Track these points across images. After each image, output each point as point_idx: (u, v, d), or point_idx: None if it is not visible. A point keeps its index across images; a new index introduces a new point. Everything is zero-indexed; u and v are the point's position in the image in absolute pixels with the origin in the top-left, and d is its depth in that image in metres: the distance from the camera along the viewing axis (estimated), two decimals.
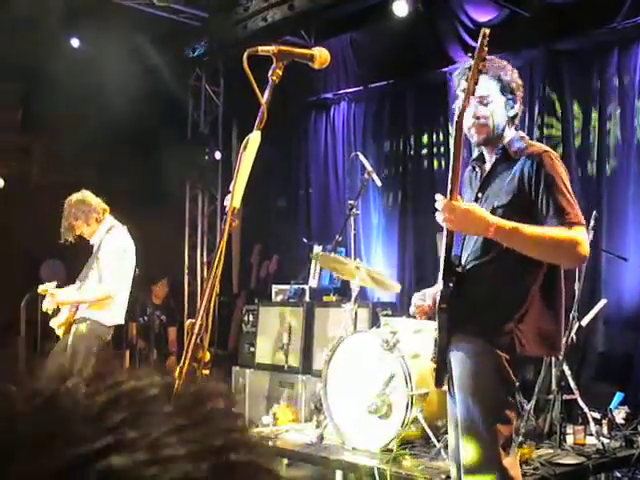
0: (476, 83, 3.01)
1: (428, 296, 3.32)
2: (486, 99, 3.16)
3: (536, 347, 3.12)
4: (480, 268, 3.10)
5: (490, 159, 3.25)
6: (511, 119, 3.24)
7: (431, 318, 3.29)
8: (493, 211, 3.07)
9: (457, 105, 3.21)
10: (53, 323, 5.96)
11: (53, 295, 5.87)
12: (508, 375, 3.08)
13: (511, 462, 3.07)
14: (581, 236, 2.96)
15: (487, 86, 3.15)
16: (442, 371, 3.16)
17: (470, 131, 3.20)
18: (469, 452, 3.05)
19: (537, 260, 3.07)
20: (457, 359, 3.11)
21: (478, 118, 3.16)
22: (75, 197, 5.96)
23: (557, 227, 2.95)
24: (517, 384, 3.17)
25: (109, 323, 5.89)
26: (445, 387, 3.28)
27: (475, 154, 3.36)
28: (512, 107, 3.22)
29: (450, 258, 3.09)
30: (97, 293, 5.80)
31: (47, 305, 5.93)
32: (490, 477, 3.02)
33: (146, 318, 9.25)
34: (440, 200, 2.95)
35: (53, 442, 0.54)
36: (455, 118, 3.06)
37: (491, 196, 3.15)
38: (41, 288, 5.96)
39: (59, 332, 5.97)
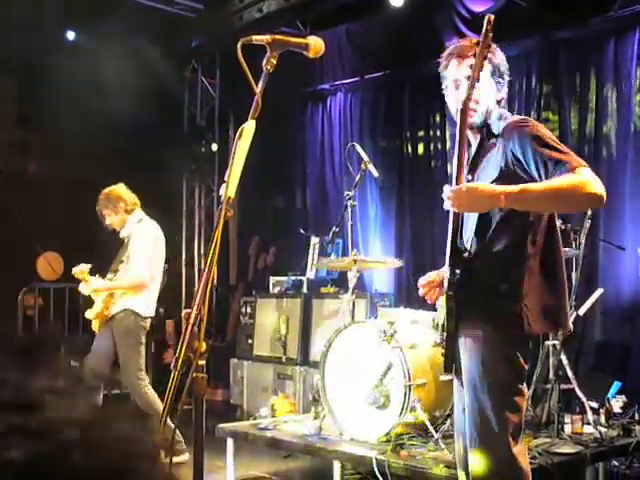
0: (481, 70, 2.99)
1: (433, 275, 3.34)
2: (474, 81, 3.10)
3: (540, 324, 3.10)
4: (482, 252, 3.10)
5: (475, 141, 3.23)
6: (498, 103, 3.23)
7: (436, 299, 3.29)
8: None
9: (455, 93, 3.19)
10: (88, 314, 5.98)
11: (87, 281, 5.88)
12: (518, 361, 3.07)
13: (520, 450, 3.08)
14: (588, 175, 2.86)
15: (477, 67, 3.10)
16: (451, 357, 3.15)
17: (457, 116, 3.18)
18: (478, 439, 3.05)
19: (532, 234, 3.07)
20: (466, 346, 3.11)
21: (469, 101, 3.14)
22: (107, 188, 6.12)
23: (562, 175, 2.87)
24: (526, 371, 3.16)
25: (144, 313, 5.91)
26: (449, 375, 3.27)
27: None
28: (500, 90, 3.21)
29: (457, 244, 3.08)
30: (131, 279, 5.85)
31: (82, 290, 5.95)
32: (499, 465, 3.03)
33: None
34: (445, 189, 2.94)
35: None
36: (460, 106, 3.02)
37: (482, 176, 3.13)
38: (75, 270, 5.93)
39: (94, 326, 5.99)
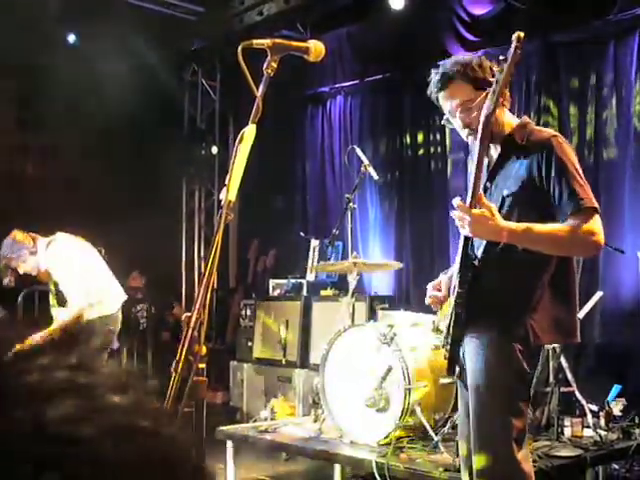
0: (506, 87, 2.96)
1: (442, 285, 3.33)
2: (467, 104, 3.12)
3: (551, 335, 3.13)
4: (493, 260, 3.09)
5: (495, 148, 3.21)
6: (502, 106, 3.17)
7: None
8: (502, 200, 3.07)
9: (455, 121, 3.18)
10: None
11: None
12: (522, 367, 3.07)
13: (524, 455, 3.08)
14: (597, 225, 2.93)
15: (462, 91, 3.12)
16: (455, 361, 3.17)
17: (470, 139, 3.18)
18: (482, 443, 3.05)
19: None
20: (471, 350, 3.11)
21: (470, 125, 3.13)
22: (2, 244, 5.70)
23: (571, 218, 2.92)
24: (531, 376, 3.17)
25: (110, 311, 5.71)
26: (449, 379, 3.28)
27: None
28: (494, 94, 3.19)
29: (468, 251, 3.08)
30: (72, 313, 5.48)
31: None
32: (503, 470, 3.03)
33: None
34: (456, 205, 2.92)
35: None
36: (481, 126, 2.96)
37: (500, 185, 3.12)
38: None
39: None
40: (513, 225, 2.90)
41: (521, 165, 3.09)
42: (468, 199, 2.94)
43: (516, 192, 3.04)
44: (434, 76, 3.24)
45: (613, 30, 6.98)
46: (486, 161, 3.22)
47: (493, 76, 3.08)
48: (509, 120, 3.21)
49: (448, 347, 3.16)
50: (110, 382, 0.60)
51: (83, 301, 5.45)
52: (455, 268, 3.13)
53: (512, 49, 2.89)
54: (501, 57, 2.93)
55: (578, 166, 3.07)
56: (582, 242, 2.95)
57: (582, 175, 3.04)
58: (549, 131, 3.24)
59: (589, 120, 7.15)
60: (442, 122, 3.33)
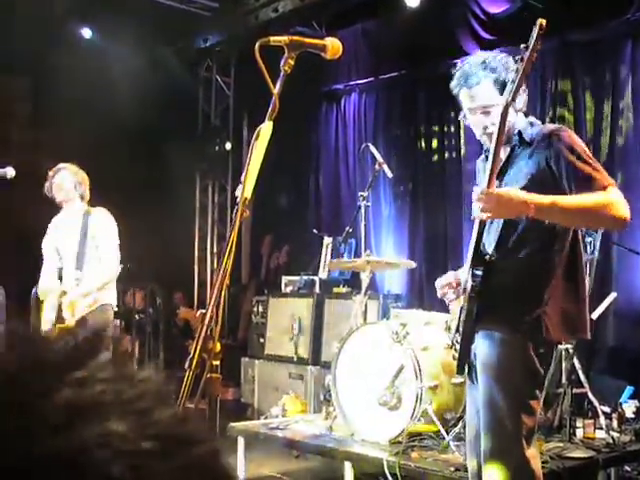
0: (527, 75, 2.92)
1: (452, 279, 3.29)
2: (488, 108, 3.10)
3: (560, 331, 3.11)
4: (505, 256, 3.08)
5: (504, 149, 3.19)
6: (518, 110, 3.18)
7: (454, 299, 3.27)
8: None
9: (473, 119, 3.17)
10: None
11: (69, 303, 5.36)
12: (534, 365, 3.07)
13: (533, 453, 3.08)
14: (616, 197, 2.93)
15: (486, 94, 3.10)
16: (465, 358, 3.15)
17: (483, 138, 3.18)
18: (491, 441, 3.05)
19: (559, 242, 3.07)
20: (483, 347, 3.10)
21: (485, 128, 3.12)
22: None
23: (592, 193, 2.91)
24: (543, 375, 3.15)
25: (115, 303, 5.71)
26: (461, 377, 3.27)
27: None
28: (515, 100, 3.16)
29: (480, 247, 3.07)
30: (103, 277, 5.47)
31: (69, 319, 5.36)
32: (512, 467, 3.02)
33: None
34: (476, 190, 2.91)
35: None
36: (500, 111, 2.94)
37: (509, 183, 3.10)
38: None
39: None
40: (539, 198, 2.86)
41: (529, 161, 3.08)
42: (483, 188, 2.92)
43: (526, 186, 3.01)
44: (460, 71, 3.21)
45: (630, 30, 6.94)
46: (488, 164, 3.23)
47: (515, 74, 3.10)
48: (517, 120, 3.19)
49: (457, 345, 3.15)
50: (152, 392, 0.60)
51: (114, 270, 5.55)
52: (466, 264, 3.12)
53: (534, 37, 2.85)
54: (522, 45, 2.89)
55: (588, 152, 3.07)
56: (606, 213, 2.92)
57: (593, 159, 3.05)
58: (555, 125, 3.26)
59: (605, 120, 7.10)
60: (459, 117, 3.31)
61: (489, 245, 3.13)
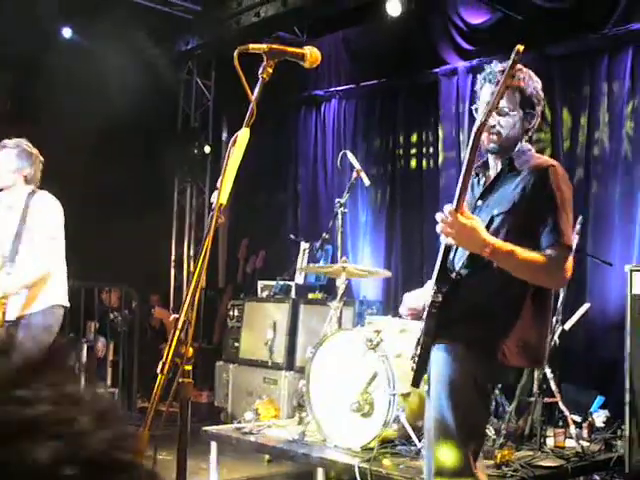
0: (501, 98, 2.93)
1: (420, 298, 3.28)
2: (504, 110, 3.11)
3: (519, 358, 3.09)
4: (472, 275, 3.08)
5: (495, 168, 3.22)
6: (526, 132, 3.21)
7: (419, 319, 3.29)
8: (491, 219, 3.07)
9: (478, 114, 3.17)
10: None
11: None
12: (485, 387, 3.10)
13: (481, 468, 3.08)
14: (569, 263, 2.99)
15: (508, 97, 3.10)
16: (421, 372, 3.13)
17: (482, 136, 3.18)
18: (440, 457, 3.04)
19: None
20: (436, 362, 3.09)
21: (493, 126, 3.12)
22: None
23: (550, 249, 2.96)
24: (493, 394, 3.18)
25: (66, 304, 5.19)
26: (422, 388, 3.28)
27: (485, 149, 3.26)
28: (529, 121, 3.18)
29: (446, 264, 3.07)
30: (32, 275, 4.90)
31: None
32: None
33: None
34: (445, 211, 2.90)
35: None
36: (474, 129, 2.95)
37: (491, 205, 3.11)
38: None
39: None
40: (499, 243, 2.90)
41: (515, 188, 3.08)
42: (452, 207, 2.92)
43: (506, 212, 3.04)
44: (495, 67, 3.18)
45: (607, 44, 7.02)
46: (483, 178, 3.26)
47: (538, 106, 3.18)
48: (521, 145, 3.21)
49: (416, 358, 3.15)
50: (93, 414, 0.59)
51: (46, 265, 4.93)
52: (432, 279, 3.12)
53: (510, 61, 2.88)
54: (499, 69, 2.93)
55: (570, 200, 3.08)
56: (555, 274, 2.99)
57: (571, 210, 3.07)
58: (548, 159, 3.26)
59: (581, 133, 7.17)
60: (472, 106, 3.31)
61: (458, 261, 3.13)
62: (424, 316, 3.10)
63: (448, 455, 3.03)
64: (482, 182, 3.28)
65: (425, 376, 3.17)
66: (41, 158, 5.19)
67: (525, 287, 3.06)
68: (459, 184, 2.93)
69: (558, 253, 2.97)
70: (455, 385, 3.04)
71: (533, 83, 3.21)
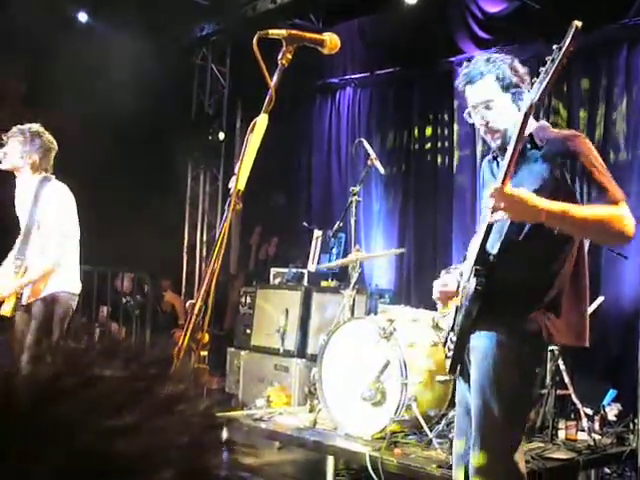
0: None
1: (450, 282, 3.29)
2: (490, 103, 3.10)
3: (565, 335, 3.09)
4: (509, 256, 3.05)
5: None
6: (529, 110, 3.17)
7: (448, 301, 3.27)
8: None
9: (476, 117, 3.16)
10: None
11: None
12: (530, 368, 3.08)
13: (520, 456, 3.08)
14: (626, 213, 2.91)
15: (488, 89, 3.10)
16: (459, 358, 3.14)
17: (487, 137, 3.17)
18: (482, 443, 3.05)
19: (563, 247, 3.05)
20: (479, 348, 3.08)
21: (487, 123, 3.12)
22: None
23: (603, 205, 2.89)
24: (539, 376, 3.15)
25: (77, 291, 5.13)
26: (446, 376, 3.27)
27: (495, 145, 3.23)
28: (521, 99, 3.10)
29: (485, 247, 3.04)
30: (47, 265, 4.88)
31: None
32: (501, 471, 3.03)
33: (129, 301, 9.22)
34: (493, 189, 2.86)
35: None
36: (524, 110, 2.90)
37: (518, 184, 3.02)
38: None
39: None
40: (551, 206, 2.83)
41: (542, 165, 3.04)
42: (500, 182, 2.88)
43: (538, 190, 2.95)
44: (465, 68, 3.21)
45: (627, 34, 6.96)
46: (500, 162, 3.21)
47: (523, 82, 3.11)
48: (531, 121, 3.16)
49: (451, 345, 3.14)
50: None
51: (55, 260, 4.88)
52: (468, 264, 3.10)
53: (568, 38, 2.80)
54: (555, 46, 2.86)
55: (602, 161, 3.04)
56: (617, 226, 2.89)
57: (606, 170, 3.02)
58: (570, 130, 3.23)
59: (598, 124, 7.12)
60: (464, 114, 3.29)
61: (493, 245, 3.08)
62: (461, 300, 3.08)
63: (490, 441, 3.03)
64: (502, 165, 3.24)
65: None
66: (54, 144, 5.13)
67: (560, 264, 3.05)
68: (505, 162, 2.90)
69: (615, 208, 2.90)
70: (499, 372, 3.03)
71: (506, 64, 3.14)
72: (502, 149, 3.20)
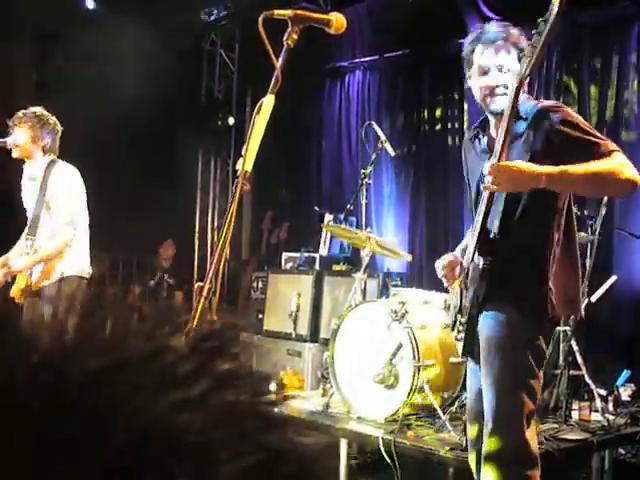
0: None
1: (451, 258, 3.30)
2: (505, 67, 3.08)
3: (563, 307, 3.13)
4: (509, 233, 3.06)
5: (497, 125, 3.16)
6: (521, 83, 3.13)
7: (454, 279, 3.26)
8: None
9: (481, 80, 3.14)
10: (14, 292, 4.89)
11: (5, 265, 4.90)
12: (539, 345, 3.08)
13: (531, 435, 3.09)
14: (623, 161, 2.91)
15: (507, 54, 3.09)
16: (471, 340, 3.16)
17: (487, 99, 3.14)
18: (493, 422, 3.05)
19: (558, 218, 3.07)
20: (487, 328, 3.10)
21: (497, 87, 3.09)
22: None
23: (599, 160, 2.90)
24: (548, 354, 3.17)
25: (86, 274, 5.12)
26: (459, 358, 3.27)
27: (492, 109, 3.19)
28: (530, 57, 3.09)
29: (486, 226, 3.05)
30: (58, 245, 4.91)
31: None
32: (511, 449, 3.03)
33: (154, 282, 9.26)
34: (489, 165, 2.90)
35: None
36: (515, 83, 2.93)
37: (508, 158, 3.04)
38: None
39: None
40: (549, 169, 2.85)
41: (527, 135, 3.05)
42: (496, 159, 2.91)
43: (530, 160, 2.96)
44: (482, 29, 3.19)
45: (638, 12, 6.89)
46: (485, 137, 3.24)
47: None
48: (522, 96, 3.15)
49: (461, 327, 3.14)
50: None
51: (64, 241, 4.91)
52: (470, 243, 3.10)
53: (553, 12, 2.79)
54: (539, 19, 2.85)
55: (587, 122, 3.06)
56: (617, 175, 2.89)
57: (593, 129, 3.04)
58: (550, 101, 3.24)
59: (609, 102, 7.07)
60: (465, 86, 3.28)
61: (491, 223, 3.09)
62: (465, 281, 3.09)
63: (501, 420, 3.03)
64: (484, 141, 3.23)
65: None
66: (59, 127, 5.15)
67: (556, 239, 3.07)
68: (499, 140, 2.93)
69: (610, 159, 2.90)
70: (508, 350, 3.05)
71: (522, 36, 3.13)
72: (482, 126, 3.20)
